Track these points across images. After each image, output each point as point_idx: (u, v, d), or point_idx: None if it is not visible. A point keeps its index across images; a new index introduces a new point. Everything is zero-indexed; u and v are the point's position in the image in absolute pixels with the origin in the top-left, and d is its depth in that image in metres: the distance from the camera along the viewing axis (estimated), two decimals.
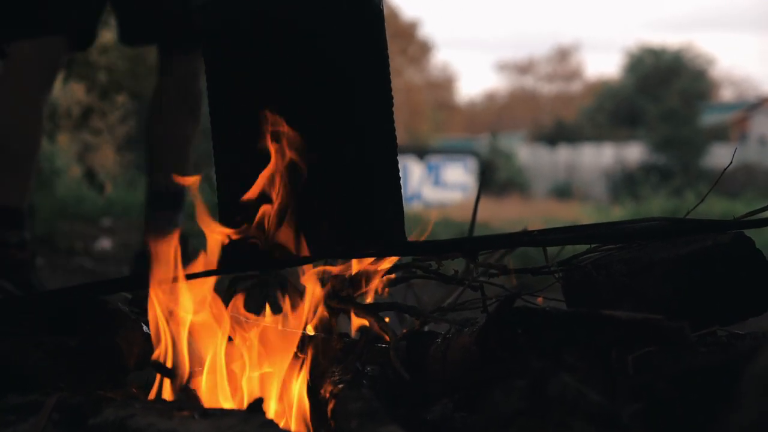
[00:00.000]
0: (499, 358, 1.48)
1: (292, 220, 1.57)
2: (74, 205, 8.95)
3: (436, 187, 22.45)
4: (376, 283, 1.69)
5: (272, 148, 1.56)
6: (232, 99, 1.64)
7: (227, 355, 1.48)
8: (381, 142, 1.66)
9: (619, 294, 1.78)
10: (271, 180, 1.57)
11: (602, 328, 1.43)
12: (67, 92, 8.23)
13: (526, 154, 27.81)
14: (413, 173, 21.91)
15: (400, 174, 1.74)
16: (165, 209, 3.08)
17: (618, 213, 13.10)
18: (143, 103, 7.81)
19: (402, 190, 1.71)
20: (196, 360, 1.47)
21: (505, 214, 14.27)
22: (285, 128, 1.56)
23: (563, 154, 27.11)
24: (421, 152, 23.15)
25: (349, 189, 1.61)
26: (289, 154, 1.56)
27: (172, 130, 3.17)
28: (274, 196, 1.57)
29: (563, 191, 23.94)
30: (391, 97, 1.68)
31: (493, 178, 24.18)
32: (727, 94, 41.29)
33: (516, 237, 1.72)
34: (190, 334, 1.46)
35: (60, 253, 6.80)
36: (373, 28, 1.63)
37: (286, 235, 1.57)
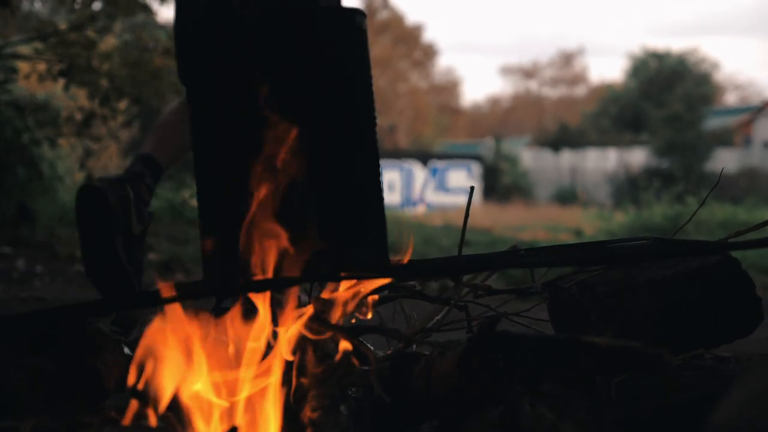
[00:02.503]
0: (480, 382, 1.47)
1: (274, 242, 1.56)
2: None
3: (440, 191, 22.42)
4: (359, 304, 1.68)
5: (254, 170, 1.55)
6: (214, 118, 1.63)
7: (204, 379, 1.47)
8: (364, 164, 1.65)
9: (605, 315, 1.77)
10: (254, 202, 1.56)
11: (583, 354, 1.42)
12: (69, 98, 8.23)
13: (530, 158, 27.77)
14: (417, 177, 21.89)
15: (405, 178, 1.73)
16: None
17: (620, 219, 13.06)
18: (146, 108, 7.83)
19: (385, 212, 1.69)
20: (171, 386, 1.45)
21: (508, 220, 14.26)
22: (267, 150, 1.55)
23: (567, 158, 27.07)
24: (425, 157, 23.11)
25: (331, 211, 1.60)
26: (271, 175, 1.56)
27: None
28: (257, 219, 1.57)
29: (567, 196, 23.90)
30: (374, 116, 1.67)
31: (497, 183, 24.16)
32: (731, 99, 41.27)
33: (501, 258, 1.71)
34: (165, 358, 1.44)
35: (60, 260, 6.79)
36: (356, 49, 1.62)
37: (267, 258, 1.56)
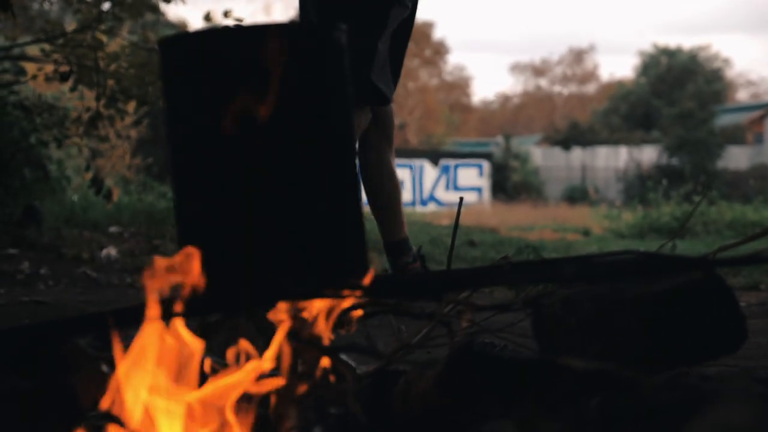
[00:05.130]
0: (457, 402, 1.46)
1: (253, 260, 1.55)
2: (82, 212, 8.95)
3: (450, 189, 22.40)
4: (341, 320, 1.66)
5: (233, 187, 1.55)
6: (191, 133, 1.62)
7: (179, 401, 1.46)
8: (342, 179, 1.63)
9: (591, 330, 1.75)
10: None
11: (562, 374, 1.40)
12: (78, 98, 8.25)
13: (541, 156, 27.70)
14: (427, 175, 21.87)
15: (413, 176, 1.71)
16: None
17: (628, 219, 13.01)
18: (155, 108, 7.85)
19: (364, 227, 1.67)
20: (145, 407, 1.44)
21: (516, 219, 14.19)
22: (244, 166, 1.54)
23: (578, 156, 27.00)
24: (436, 156, 23.07)
25: (309, 228, 1.58)
26: (251, 192, 1.55)
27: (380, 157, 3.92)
28: (236, 237, 1.56)
29: (577, 194, 23.84)
30: (353, 133, 1.65)
31: (507, 182, 24.13)
32: (742, 96, 41.10)
33: (485, 275, 1.69)
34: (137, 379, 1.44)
35: (66, 261, 6.80)
36: (333, 63, 1.60)
37: (247, 276, 1.55)
